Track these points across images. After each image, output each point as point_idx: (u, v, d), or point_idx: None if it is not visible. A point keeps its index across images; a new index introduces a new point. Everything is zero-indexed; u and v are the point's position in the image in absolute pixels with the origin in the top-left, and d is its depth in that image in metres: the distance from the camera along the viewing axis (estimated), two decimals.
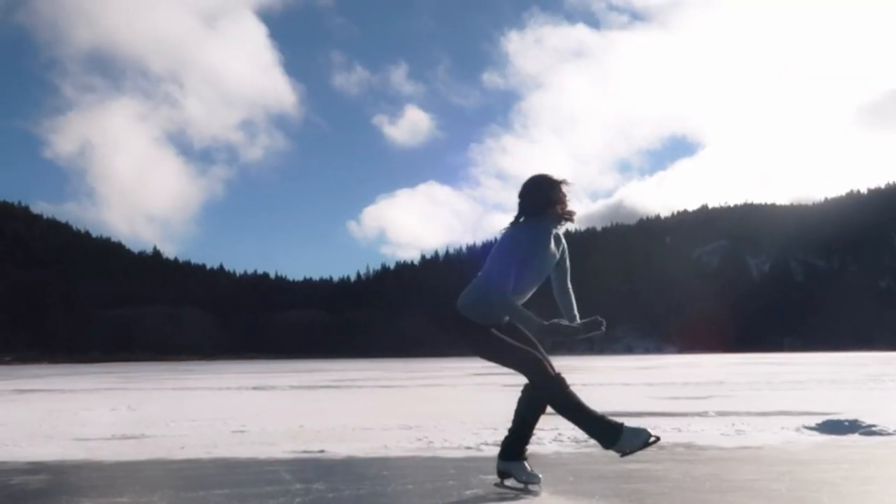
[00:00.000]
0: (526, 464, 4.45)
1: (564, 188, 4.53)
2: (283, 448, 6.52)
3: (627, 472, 4.95)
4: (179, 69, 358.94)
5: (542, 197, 4.48)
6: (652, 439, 4.22)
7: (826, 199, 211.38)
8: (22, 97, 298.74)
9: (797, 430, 7.23)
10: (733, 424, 7.91)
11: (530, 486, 4.39)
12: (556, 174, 4.58)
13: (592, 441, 6.53)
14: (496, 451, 6.02)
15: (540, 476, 4.44)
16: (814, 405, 10.44)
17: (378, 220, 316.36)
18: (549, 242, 4.50)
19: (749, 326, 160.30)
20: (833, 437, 6.76)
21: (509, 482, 4.44)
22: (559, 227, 4.59)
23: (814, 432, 7.05)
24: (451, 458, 5.75)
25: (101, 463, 5.86)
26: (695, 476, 4.79)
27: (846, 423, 7.21)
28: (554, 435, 6.99)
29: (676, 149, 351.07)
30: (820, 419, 7.66)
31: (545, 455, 5.89)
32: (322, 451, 6.26)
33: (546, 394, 4.39)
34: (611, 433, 4.28)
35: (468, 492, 4.37)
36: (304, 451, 6.29)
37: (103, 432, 8.11)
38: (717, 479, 4.68)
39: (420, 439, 6.93)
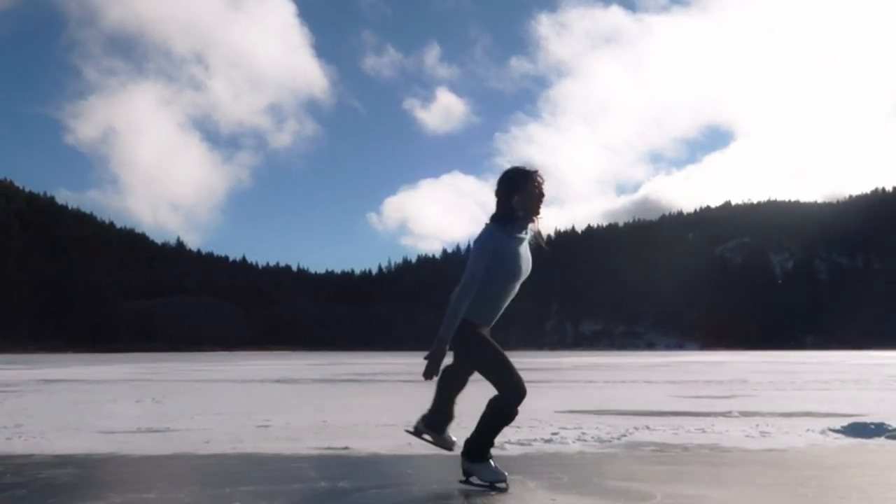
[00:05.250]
0: (491, 462, 4.55)
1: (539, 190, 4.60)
2: (307, 444, 6.54)
3: (652, 475, 4.94)
4: (204, 50, 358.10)
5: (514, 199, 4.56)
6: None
7: (850, 196, 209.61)
8: (43, 81, 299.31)
9: (822, 432, 7.19)
10: (757, 425, 7.87)
11: (497, 485, 4.46)
12: (532, 171, 4.61)
13: (617, 441, 6.55)
14: (520, 450, 6.06)
15: (506, 473, 4.53)
16: (838, 406, 10.37)
17: (399, 210, 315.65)
18: (519, 247, 4.57)
19: (772, 324, 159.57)
20: (859, 440, 6.71)
21: (474, 479, 4.53)
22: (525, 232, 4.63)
23: (839, 435, 7.00)
24: None
25: (127, 457, 5.90)
26: (720, 479, 4.77)
27: (872, 426, 7.16)
28: (578, 434, 6.99)
29: (711, 138, 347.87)
30: (845, 421, 7.60)
31: (569, 455, 5.87)
32: (346, 448, 6.28)
33: (509, 416, 4.53)
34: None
35: (493, 492, 4.38)
36: (329, 448, 6.31)
37: (129, 425, 8.17)
38: (742, 482, 4.67)
39: None
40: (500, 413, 4.50)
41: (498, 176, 4.64)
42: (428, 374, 4.46)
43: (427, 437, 4.82)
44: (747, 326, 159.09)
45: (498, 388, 4.52)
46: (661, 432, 7.25)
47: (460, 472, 4.57)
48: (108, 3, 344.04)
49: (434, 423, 4.81)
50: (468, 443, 4.58)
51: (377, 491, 4.42)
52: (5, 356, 76.90)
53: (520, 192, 4.55)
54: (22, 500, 4.24)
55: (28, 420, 8.77)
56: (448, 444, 4.83)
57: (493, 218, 4.59)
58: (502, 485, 4.47)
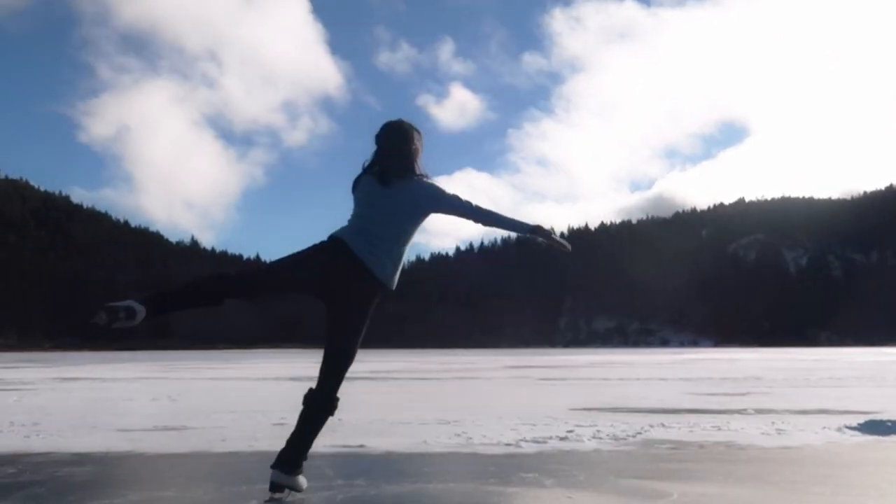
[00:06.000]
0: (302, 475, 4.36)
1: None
2: (322, 442, 6.51)
3: (668, 473, 4.93)
4: (217, 48, 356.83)
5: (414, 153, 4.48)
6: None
7: (864, 192, 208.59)
8: (57, 79, 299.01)
9: (839, 429, 7.16)
10: (773, 423, 7.85)
11: (298, 492, 4.32)
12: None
13: (632, 439, 6.55)
14: (535, 447, 6.05)
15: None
16: (854, 403, 10.33)
17: None
18: None
19: (785, 321, 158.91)
20: (875, 437, 6.69)
21: (281, 494, 4.29)
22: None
23: (856, 432, 6.98)
24: (490, 455, 5.76)
25: (144, 455, 5.93)
26: (736, 477, 4.76)
27: (888, 424, 7.13)
28: (593, 432, 6.99)
29: (726, 133, 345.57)
30: (861, 419, 7.58)
31: (585, 453, 5.87)
32: (361, 446, 6.29)
33: (332, 403, 4.43)
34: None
35: (510, 489, 4.38)
36: (344, 446, 6.33)
37: (145, 423, 8.20)
38: (758, 480, 4.66)
39: (459, 434, 6.94)
40: (328, 400, 4.37)
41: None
42: (565, 245, 4.51)
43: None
44: (761, 323, 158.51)
45: (340, 362, 4.40)
46: (677, 430, 7.24)
47: (477, 468, 4.57)
48: (121, 1, 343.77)
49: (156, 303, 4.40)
50: (286, 453, 4.28)
51: (394, 489, 4.43)
52: (21, 354, 77.39)
53: (415, 147, 4.44)
54: (40, 498, 4.26)
55: (46, 418, 8.82)
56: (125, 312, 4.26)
57: (400, 171, 4.40)
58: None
